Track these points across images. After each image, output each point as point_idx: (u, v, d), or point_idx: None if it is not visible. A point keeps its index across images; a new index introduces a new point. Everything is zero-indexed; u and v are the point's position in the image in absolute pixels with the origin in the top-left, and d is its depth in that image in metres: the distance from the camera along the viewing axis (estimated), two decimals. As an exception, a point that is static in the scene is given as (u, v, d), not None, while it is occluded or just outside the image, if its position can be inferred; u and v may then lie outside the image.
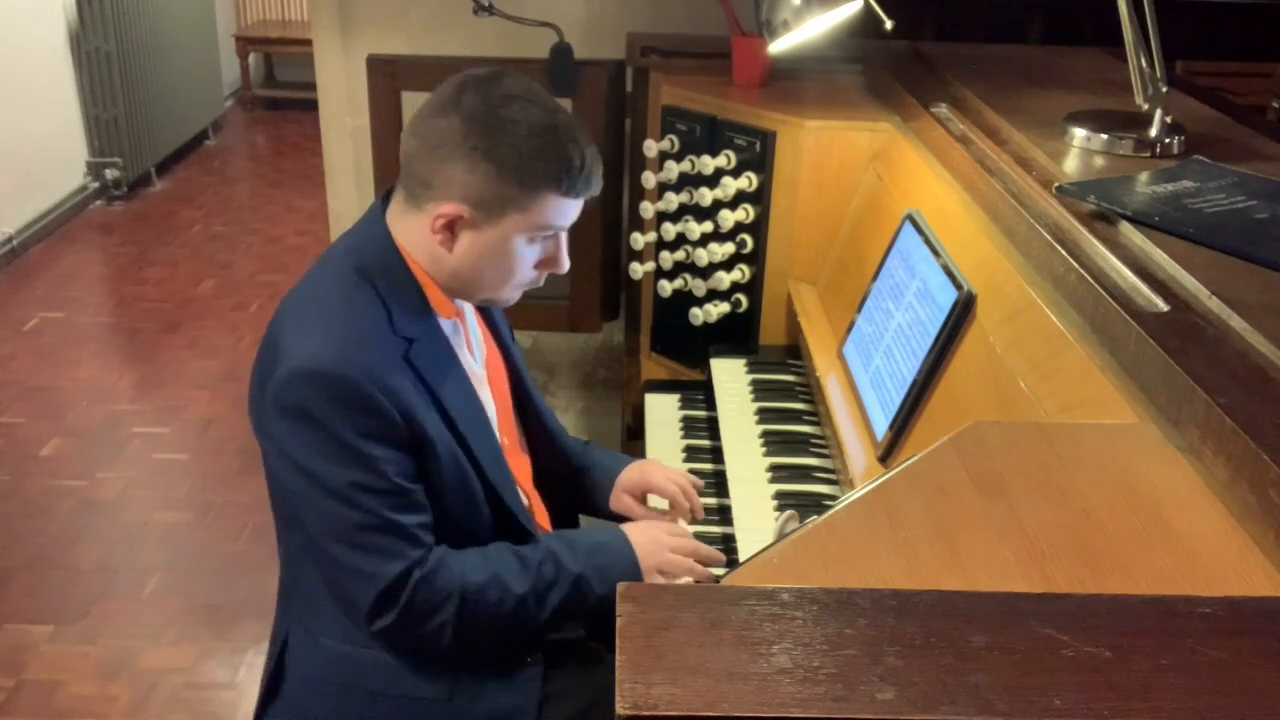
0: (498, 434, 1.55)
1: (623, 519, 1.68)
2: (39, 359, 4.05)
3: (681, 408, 2.11)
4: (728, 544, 1.69)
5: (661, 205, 2.21)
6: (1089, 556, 0.87)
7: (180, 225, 5.39)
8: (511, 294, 1.49)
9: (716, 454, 1.92)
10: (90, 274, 4.87)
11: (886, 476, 1.00)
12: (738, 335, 2.18)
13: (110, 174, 5.53)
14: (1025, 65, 2.22)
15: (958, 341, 1.49)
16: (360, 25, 2.70)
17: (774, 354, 2.13)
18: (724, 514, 1.76)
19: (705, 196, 2.12)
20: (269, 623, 1.65)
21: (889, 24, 1.93)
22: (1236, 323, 1.11)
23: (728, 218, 2.08)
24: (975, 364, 1.43)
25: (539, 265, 1.47)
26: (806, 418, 1.90)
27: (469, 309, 1.58)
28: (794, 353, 2.08)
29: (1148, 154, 1.65)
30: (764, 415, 1.91)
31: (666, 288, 2.20)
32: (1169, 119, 1.67)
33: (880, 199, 1.94)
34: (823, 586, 0.76)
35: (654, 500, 1.72)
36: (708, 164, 2.12)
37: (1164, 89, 1.65)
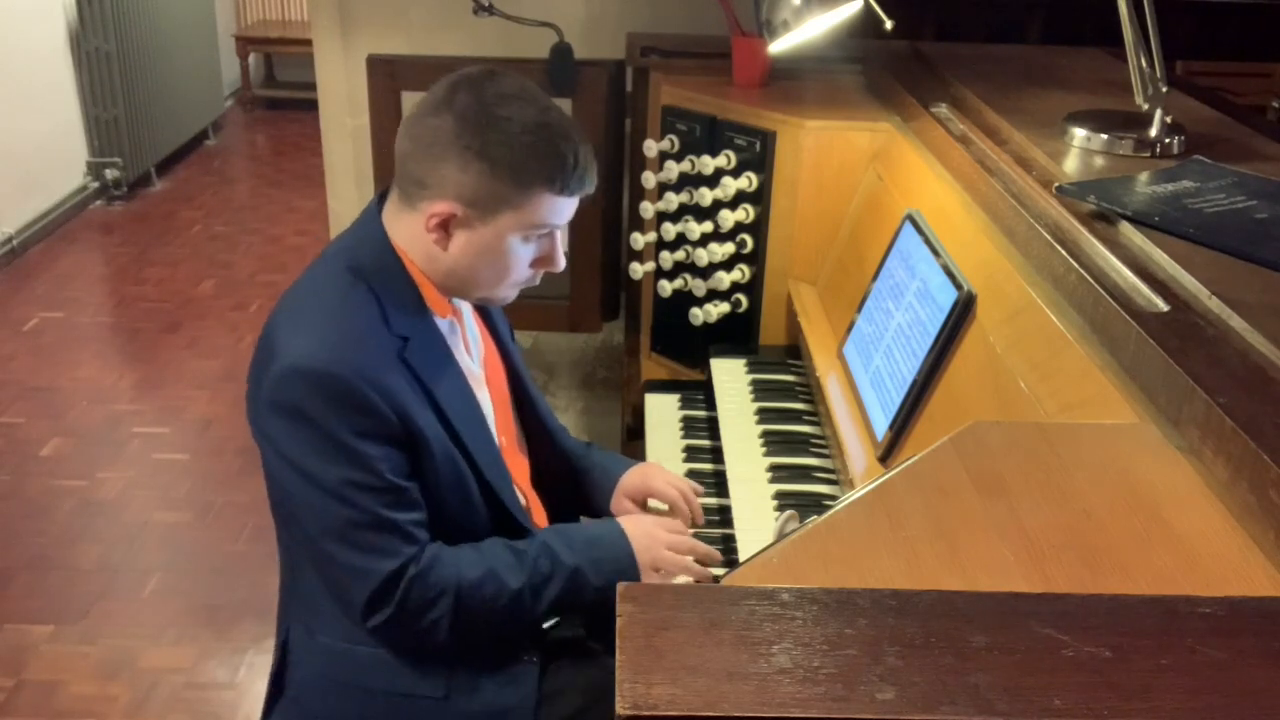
0: (495, 433, 1.55)
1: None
2: (39, 359, 4.05)
3: (681, 408, 2.11)
4: (728, 544, 1.69)
5: (661, 205, 2.21)
6: (1089, 556, 0.87)
7: (180, 225, 5.39)
8: (508, 292, 1.49)
9: (716, 454, 1.92)
10: (90, 274, 4.87)
11: (886, 476, 1.00)
12: (738, 335, 2.18)
13: (110, 174, 5.53)
14: (1025, 65, 2.22)
15: (958, 341, 1.49)
16: (360, 25, 2.70)
17: (774, 354, 2.13)
18: (724, 514, 1.76)
19: (705, 196, 2.12)
20: (269, 623, 1.65)
21: (889, 24, 1.93)
22: (1236, 323, 1.11)
23: (728, 218, 2.08)
24: (975, 364, 1.43)
25: (534, 264, 1.47)
26: (806, 418, 1.90)
27: (467, 309, 1.58)
28: (794, 353, 2.08)
29: (1148, 154, 1.65)
30: (764, 415, 1.91)
31: (666, 288, 2.20)
32: (1169, 119, 1.67)
33: (880, 199, 1.94)
34: (823, 586, 0.76)
35: (654, 505, 1.72)
36: (708, 164, 2.12)
37: (1164, 89, 1.65)
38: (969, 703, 0.66)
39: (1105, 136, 1.67)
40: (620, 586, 0.74)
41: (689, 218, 2.16)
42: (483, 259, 1.42)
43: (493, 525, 1.51)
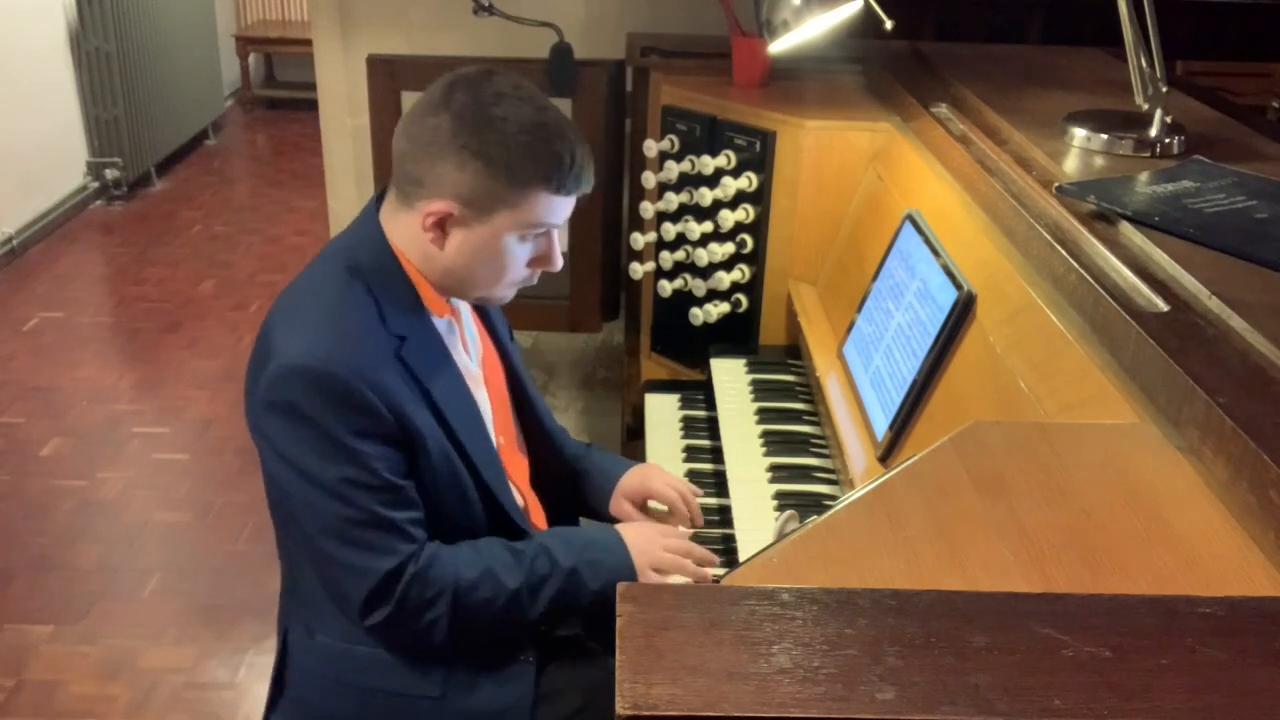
0: (493, 433, 1.55)
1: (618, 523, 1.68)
2: (39, 359, 4.05)
3: (681, 408, 2.11)
4: (728, 544, 1.69)
5: (661, 205, 2.21)
6: (1089, 556, 0.87)
7: (180, 225, 5.39)
8: (505, 292, 1.49)
9: (716, 454, 1.92)
10: (90, 274, 4.87)
11: (886, 476, 1.00)
12: (738, 335, 2.18)
13: (110, 174, 5.53)
14: (1025, 65, 2.22)
15: (958, 341, 1.49)
16: (360, 25, 2.70)
17: (774, 354, 2.13)
18: (724, 514, 1.76)
19: (705, 196, 2.12)
20: (269, 623, 1.65)
21: (889, 24, 1.93)
22: (1236, 323, 1.11)
23: (728, 218, 2.08)
24: (975, 364, 1.43)
25: (531, 263, 1.47)
26: (806, 418, 1.90)
27: (465, 309, 1.58)
28: (794, 353, 2.08)
29: (1148, 154, 1.65)
30: (764, 415, 1.91)
31: (666, 288, 2.20)
32: (1169, 119, 1.67)
33: (880, 199, 1.94)
34: (823, 586, 0.76)
35: (654, 506, 1.72)
36: (708, 164, 2.12)
37: (1164, 89, 1.65)
38: (969, 703, 0.66)
39: (1105, 136, 1.67)
40: (620, 586, 0.74)
41: (689, 218, 2.16)
42: (479, 258, 1.42)
43: (490, 525, 1.51)
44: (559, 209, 1.43)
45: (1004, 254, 1.47)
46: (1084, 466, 0.98)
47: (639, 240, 2.22)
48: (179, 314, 4.46)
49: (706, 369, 2.10)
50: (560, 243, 1.50)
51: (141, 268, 4.89)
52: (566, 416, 3.04)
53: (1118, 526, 0.91)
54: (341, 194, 2.86)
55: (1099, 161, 1.63)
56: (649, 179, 2.24)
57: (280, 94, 7.40)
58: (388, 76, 2.40)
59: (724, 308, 2.16)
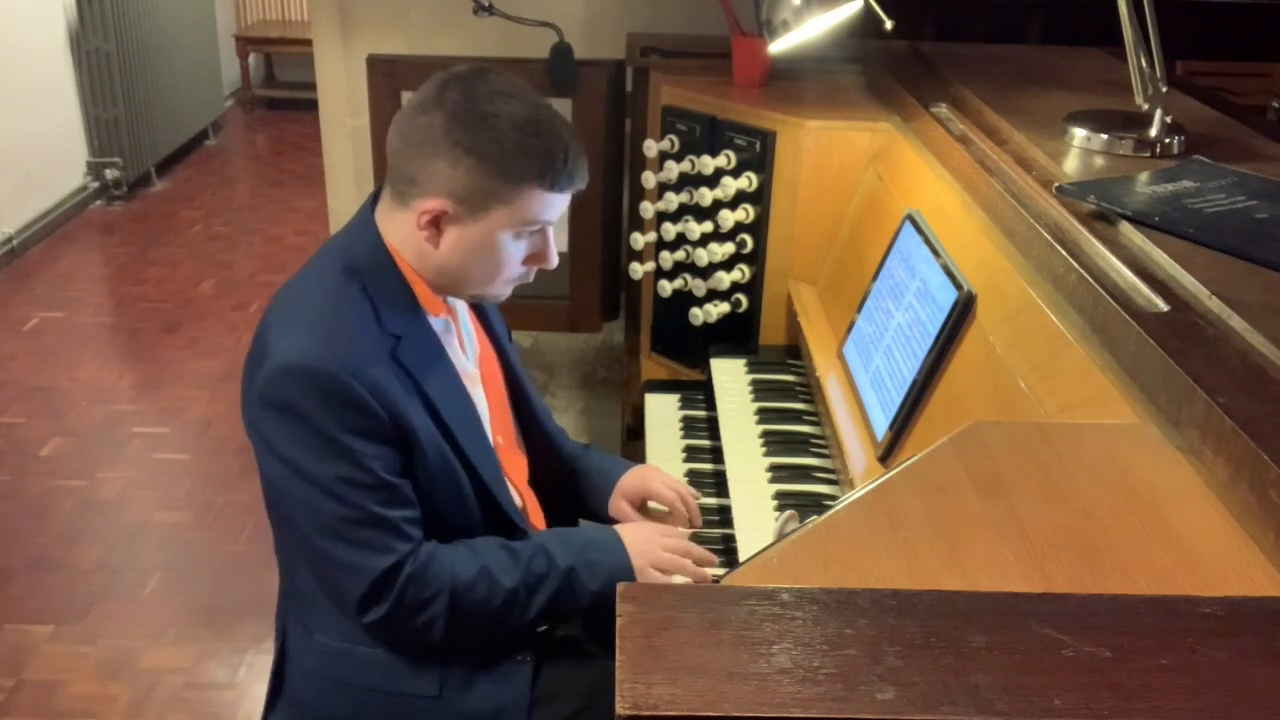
0: (490, 432, 1.55)
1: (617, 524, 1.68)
2: (39, 359, 4.05)
3: (681, 408, 2.11)
4: (728, 544, 1.69)
5: (661, 205, 2.21)
6: (1089, 556, 0.87)
7: (180, 225, 5.39)
8: (501, 290, 1.49)
9: (716, 454, 1.92)
10: (90, 274, 4.87)
11: (886, 476, 1.00)
12: (738, 335, 2.18)
13: (110, 174, 5.53)
14: (1025, 65, 2.22)
15: (958, 341, 1.49)
16: (360, 25, 2.70)
17: (774, 354, 2.13)
18: (724, 514, 1.76)
19: (705, 196, 2.12)
20: (269, 623, 1.65)
21: (889, 24, 1.93)
22: (1236, 323, 1.11)
23: (728, 218, 2.08)
24: (975, 364, 1.43)
25: (527, 260, 1.47)
26: (806, 418, 1.90)
27: (462, 308, 1.59)
28: (794, 353, 2.08)
29: (1148, 154, 1.65)
30: (764, 415, 1.91)
31: (666, 288, 2.20)
32: (1169, 119, 1.67)
33: (880, 199, 1.94)
34: (823, 586, 0.76)
35: (654, 507, 1.72)
36: (708, 164, 2.12)
37: (1164, 89, 1.65)
38: (969, 703, 0.66)
39: (1105, 136, 1.67)
40: (620, 586, 0.74)
41: (689, 218, 2.16)
42: (474, 256, 1.43)
43: (487, 524, 1.52)
44: (553, 206, 1.43)
45: (1004, 254, 1.47)
46: (1084, 466, 0.98)
47: (639, 240, 2.22)
48: (179, 314, 4.46)
49: (706, 369, 2.10)
50: (557, 240, 1.50)
51: (141, 268, 4.89)
52: (566, 416, 3.04)
53: (1118, 526, 0.91)
54: (341, 194, 2.86)
55: (1099, 161, 1.63)
56: (649, 179, 2.24)
57: (280, 94, 7.40)
58: (388, 76, 2.40)
59: (724, 308, 2.16)
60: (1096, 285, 1.23)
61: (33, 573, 2.93)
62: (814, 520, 0.97)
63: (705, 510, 1.77)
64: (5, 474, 3.35)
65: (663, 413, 2.10)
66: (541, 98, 1.42)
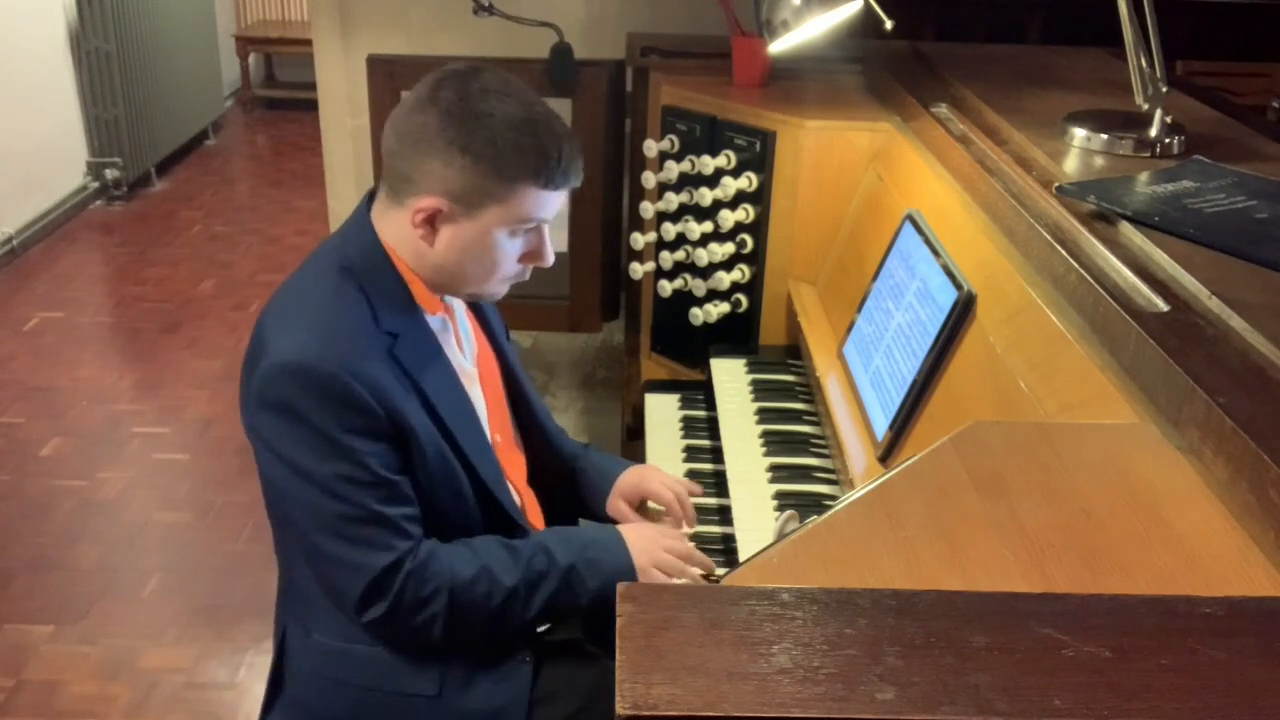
0: (488, 430, 1.55)
1: (618, 524, 1.68)
2: (39, 359, 4.05)
3: (681, 408, 2.11)
4: (728, 544, 1.69)
5: (661, 205, 2.21)
6: (1089, 556, 0.87)
7: (180, 225, 5.39)
8: (497, 288, 1.50)
9: (716, 454, 1.92)
10: (90, 274, 4.87)
11: (886, 476, 1.00)
12: (738, 335, 2.18)
13: (110, 174, 5.53)
14: (1025, 65, 2.22)
15: (958, 341, 1.49)
16: (360, 25, 2.70)
17: (774, 354, 2.13)
18: (724, 514, 1.76)
19: (705, 196, 2.12)
20: (269, 623, 1.65)
21: (889, 24, 1.93)
22: (1236, 323, 1.11)
23: (728, 218, 2.08)
24: (975, 364, 1.43)
25: (523, 258, 1.47)
26: (806, 418, 1.90)
27: (460, 306, 1.59)
28: (794, 353, 2.08)
29: (1148, 154, 1.65)
30: (764, 415, 1.91)
31: (666, 288, 2.20)
32: (1169, 119, 1.67)
33: (880, 199, 1.94)
34: (823, 586, 0.76)
35: (654, 507, 1.72)
36: (708, 164, 2.12)
37: (1164, 89, 1.65)
38: (969, 703, 0.66)
39: (1105, 136, 1.67)
40: (620, 586, 0.74)
41: (689, 218, 2.16)
42: (469, 254, 1.43)
43: (486, 522, 1.52)
44: (548, 204, 1.43)
45: (1004, 254, 1.47)
46: (1084, 466, 0.98)
47: (639, 240, 2.22)
48: (179, 314, 4.46)
49: (706, 369, 2.10)
50: (555, 240, 1.50)
51: (141, 268, 4.89)
52: (566, 416, 3.04)
53: (1118, 526, 0.91)
54: (341, 194, 2.86)
55: (1099, 161, 1.63)
56: (649, 179, 2.24)
57: (280, 94, 7.40)
58: (388, 76, 2.40)
59: (724, 308, 2.16)
60: (1096, 285, 1.23)
61: (33, 573, 2.93)
62: (814, 520, 0.97)
63: (705, 510, 1.77)
64: (5, 474, 3.35)
65: (663, 413, 2.10)
66: (536, 96, 1.42)
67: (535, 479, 1.70)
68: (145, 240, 5.19)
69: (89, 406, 3.74)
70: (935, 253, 1.61)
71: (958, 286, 1.51)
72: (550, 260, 1.49)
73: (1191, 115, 1.85)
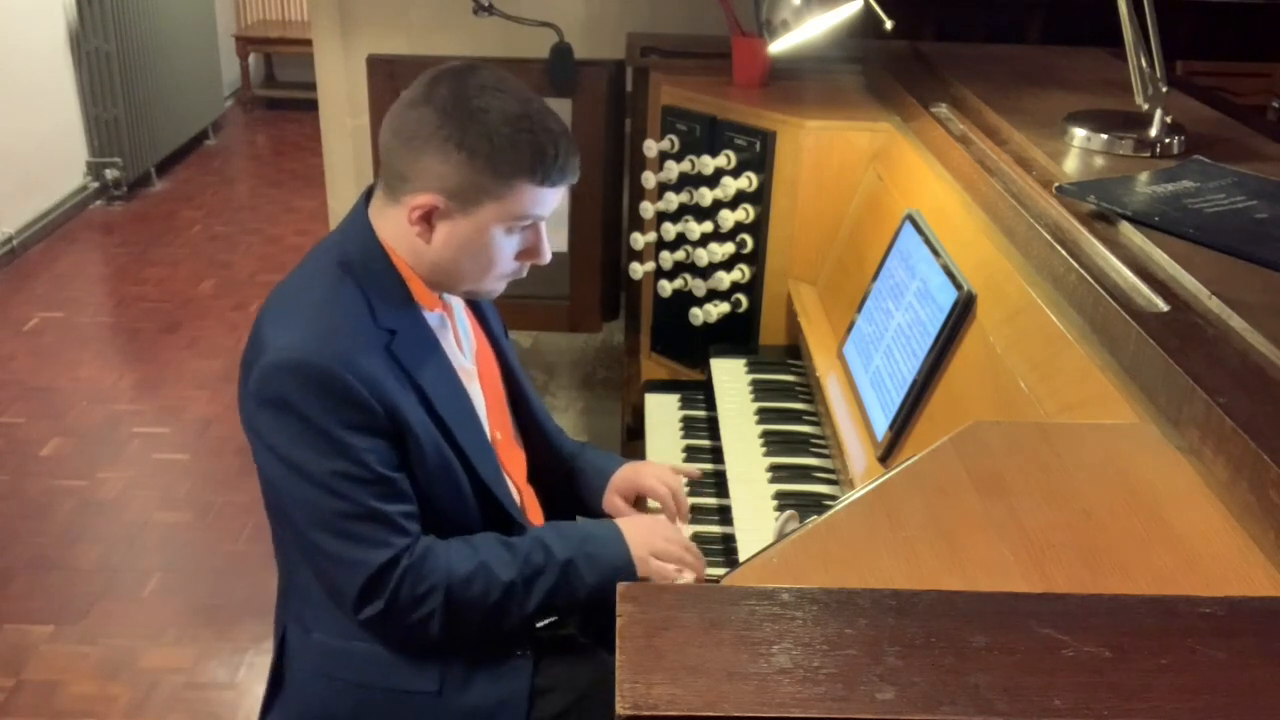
0: (487, 427, 1.55)
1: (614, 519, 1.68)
2: (39, 359, 4.05)
3: (681, 408, 2.11)
4: (728, 544, 1.69)
5: (661, 205, 2.21)
6: (1089, 556, 0.87)
7: (180, 225, 5.39)
8: (494, 285, 1.50)
9: (716, 454, 1.92)
10: (90, 274, 4.87)
11: (886, 476, 1.00)
12: (738, 335, 2.18)
13: (110, 174, 5.53)
14: (1025, 65, 2.22)
15: (958, 341, 1.49)
16: (360, 25, 2.70)
17: (774, 354, 2.13)
18: (724, 514, 1.76)
19: (705, 196, 2.12)
20: (269, 622, 1.65)
21: (889, 24, 1.93)
22: (1236, 323, 1.11)
23: (728, 218, 2.08)
24: (975, 364, 1.43)
25: (520, 256, 1.47)
26: (806, 418, 1.90)
27: (458, 304, 1.59)
28: (794, 353, 2.08)
29: (1148, 154, 1.65)
30: (764, 415, 1.91)
31: (666, 288, 2.20)
32: (1169, 119, 1.67)
33: (880, 199, 1.95)
34: (823, 586, 0.76)
35: (653, 505, 1.72)
36: (708, 164, 2.12)
37: (1164, 89, 1.65)
38: (969, 703, 0.66)
39: (1105, 136, 1.67)
40: (620, 586, 0.74)
41: (689, 218, 2.16)
42: (466, 251, 1.43)
43: (485, 519, 1.52)
44: (545, 201, 1.43)
45: (1004, 254, 1.47)
46: (1084, 466, 0.98)
47: (639, 240, 2.22)
48: (179, 314, 4.46)
49: (706, 369, 2.10)
50: (553, 238, 1.50)
51: (141, 268, 4.89)
52: (566, 416, 3.04)
53: (1118, 526, 0.91)
54: (341, 194, 2.86)
55: (1099, 161, 1.63)
56: (649, 179, 2.24)
57: (280, 94, 7.40)
58: (388, 76, 2.40)
59: (724, 308, 2.16)
60: (1096, 285, 1.23)
61: (33, 573, 2.93)
62: (814, 520, 0.97)
63: (705, 510, 1.77)
64: (5, 474, 3.35)
65: (663, 413, 2.10)
66: (533, 93, 1.42)
67: (534, 476, 1.70)
68: (145, 240, 5.19)
69: (89, 406, 3.74)
70: (935, 253, 1.61)
71: (958, 286, 1.51)
72: (547, 258, 1.49)
73: (1191, 115, 1.85)
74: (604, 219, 2.51)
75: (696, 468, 1.76)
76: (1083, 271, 1.27)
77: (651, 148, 2.23)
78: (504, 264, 1.46)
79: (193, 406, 3.78)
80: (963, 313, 1.49)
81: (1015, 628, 0.72)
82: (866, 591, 0.75)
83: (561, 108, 1.44)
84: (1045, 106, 1.88)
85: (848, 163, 2.03)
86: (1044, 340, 1.28)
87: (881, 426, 1.59)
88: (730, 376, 2.05)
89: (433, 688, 1.49)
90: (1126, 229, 1.37)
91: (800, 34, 2.00)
